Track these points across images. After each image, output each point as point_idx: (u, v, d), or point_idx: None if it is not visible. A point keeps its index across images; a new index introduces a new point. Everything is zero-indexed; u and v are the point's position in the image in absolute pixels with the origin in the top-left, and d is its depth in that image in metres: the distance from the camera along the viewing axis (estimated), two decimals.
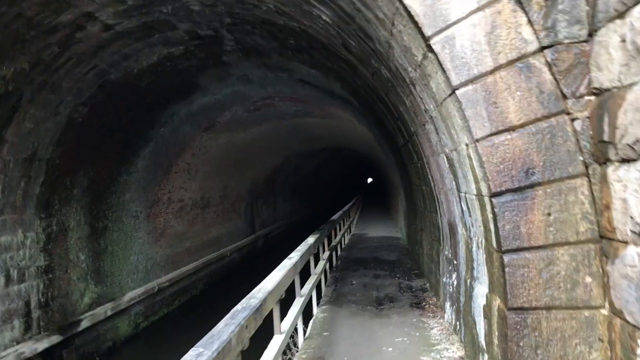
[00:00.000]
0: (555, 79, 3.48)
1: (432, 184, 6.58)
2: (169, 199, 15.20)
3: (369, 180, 71.07)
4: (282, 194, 30.10)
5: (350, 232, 18.20)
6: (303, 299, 6.32)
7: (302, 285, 7.01)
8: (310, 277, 7.52)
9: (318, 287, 8.23)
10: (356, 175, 64.65)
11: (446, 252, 6.27)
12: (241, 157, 20.94)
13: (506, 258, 3.55)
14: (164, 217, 15.00)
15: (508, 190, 3.54)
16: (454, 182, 4.98)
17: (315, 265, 7.96)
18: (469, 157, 3.93)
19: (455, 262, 5.60)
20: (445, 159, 5.06)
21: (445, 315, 6.42)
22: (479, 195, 3.93)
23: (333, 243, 11.71)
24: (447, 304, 6.31)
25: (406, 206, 13.53)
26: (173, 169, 15.06)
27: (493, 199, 3.58)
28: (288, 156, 27.32)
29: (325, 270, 9.56)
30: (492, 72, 3.56)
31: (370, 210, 30.00)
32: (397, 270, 10.10)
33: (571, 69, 3.47)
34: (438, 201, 6.45)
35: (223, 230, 19.91)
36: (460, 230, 5.14)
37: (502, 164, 3.55)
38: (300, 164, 31.67)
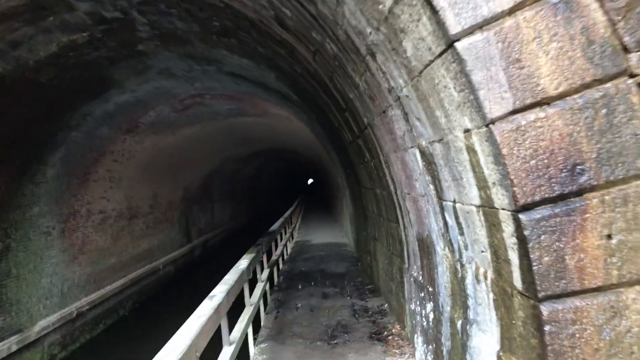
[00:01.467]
0: (610, 20, 2.13)
1: (393, 187, 5.21)
2: (88, 211, 13.29)
3: (310, 181, 69.71)
4: (220, 199, 28.30)
5: (292, 240, 16.65)
6: (234, 346, 4.75)
7: (238, 318, 5.54)
8: (244, 312, 5.89)
9: (257, 316, 6.73)
10: (297, 177, 63.33)
11: (414, 273, 4.90)
12: (172, 162, 19.12)
13: (545, 309, 2.19)
14: (83, 231, 13.09)
15: (545, 201, 2.18)
16: (431, 186, 3.61)
17: (251, 294, 6.38)
18: (470, 149, 2.54)
19: (430, 289, 4.23)
20: (417, 155, 3.68)
21: (417, 354, 4.99)
22: (487, 207, 2.55)
23: (274, 257, 10.17)
24: (419, 339, 4.89)
25: (353, 210, 12.16)
26: (91, 177, 13.17)
27: (521, 215, 2.20)
28: (225, 159, 25.61)
29: (265, 292, 8.08)
30: (512, 11, 2.18)
31: (313, 213, 28.56)
32: (348, 285, 8.66)
33: (636, 4, 2.13)
34: (401, 209, 5.08)
35: (155, 241, 18.03)
36: (441, 250, 3.76)
37: (534, 158, 2.18)
38: (238, 168, 29.99)
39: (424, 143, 3.40)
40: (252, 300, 6.14)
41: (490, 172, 2.38)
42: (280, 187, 57.45)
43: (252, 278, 7.07)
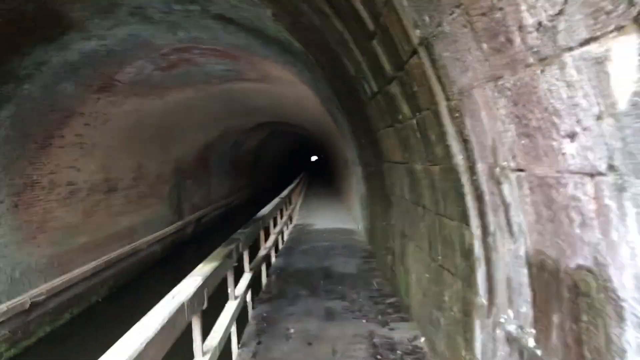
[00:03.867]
0: None
1: (464, 156, 2.83)
2: (51, 181, 10.97)
3: (314, 158, 67.15)
4: (218, 173, 25.96)
5: (291, 223, 14.16)
6: None
7: None
8: None
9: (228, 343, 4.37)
10: (301, 152, 60.99)
11: (506, 325, 2.51)
12: (162, 131, 16.78)
13: None
14: (44, 205, 10.79)
15: None
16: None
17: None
18: None
19: None
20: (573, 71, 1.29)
21: None
22: None
23: (261, 252, 7.71)
24: None
25: (366, 192, 9.74)
26: (55, 142, 10.82)
27: None
28: (224, 131, 23.25)
29: (245, 301, 5.73)
30: None
31: (317, 192, 26.10)
32: (362, 297, 6.15)
33: None
34: (479, 198, 2.71)
35: (138, 218, 15.73)
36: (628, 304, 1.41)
37: None
38: (239, 141, 27.62)
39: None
40: (209, 345, 3.67)
41: None
42: (283, 163, 55.13)
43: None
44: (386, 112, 4.87)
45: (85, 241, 12.36)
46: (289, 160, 58.69)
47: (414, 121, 3.78)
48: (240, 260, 5.49)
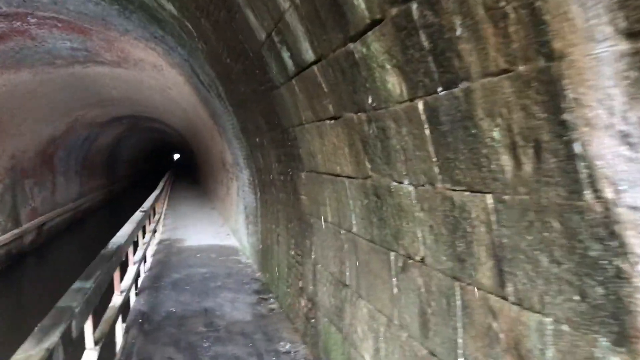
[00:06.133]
0: None
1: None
2: None
3: (176, 156, 63.09)
4: (66, 172, 22.29)
5: (155, 239, 11.28)
6: None
7: None
8: None
9: None
10: (164, 150, 56.99)
11: None
12: None
13: None
14: None
15: None
16: None
17: None
18: None
19: None
20: None
21: None
22: None
23: (115, 302, 5.26)
24: None
25: (258, 203, 7.68)
26: None
27: None
28: (73, 123, 19.89)
29: None
30: None
31: (184, 197, 23.22)
32: None
33: None
34: None
35: None
36: None
37: None
38: (92, 136, 24.10)
39: None
40: None
41: None
42: (144, 162, 50.91)
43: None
44: (328, 94, 3.01)
45: None
46: (150, 158, 54.42)
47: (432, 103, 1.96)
48: (79, 337, 3.30)
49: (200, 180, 28.20)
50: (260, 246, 7.71)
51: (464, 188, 1.96)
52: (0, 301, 11.76)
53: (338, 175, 3.46)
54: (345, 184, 3.37)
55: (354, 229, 3.35)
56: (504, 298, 1.82)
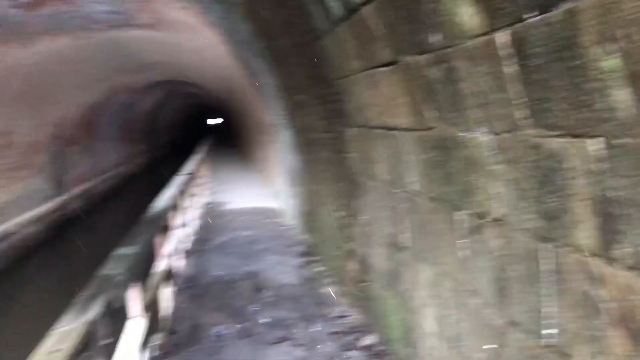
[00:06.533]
0: None
1: None
2: None
3: (217, 121, 63.13)
4: (109, 138, 22.58)
5: (196, 202, 11.18)
6: None
7: None
8: None
9: None
10: (203, 115, 57.19)
11: None
12: (33, 88, 13.53)
13: None
14: None
15: None
16: None
17: None
18: None
19: None
20: None
21: None
22: None
23: (159, 267, 5.04)
24: None
25: (302, 164, 7.46)
26: None
27: None
28: (113, 90, 19.99)
29: None
30: None
31: (224, 161, 23.20)
32: (322, 336, 4.04)
33: None
34: None
35: (5, 196, 12.57)
36: None
37: None
38: (133, 102, 24.28)
39: None
40: None
41: None
42: (183, 127, 51.31)
43: None
44: (383, 37, 2.70)
45: None
46: (188, 124, 54.80)
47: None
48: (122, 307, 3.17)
49: (239, 143, 28.17)
50: (305, 208, 7.52)
51: (560, 133, 1.66)
52: (50, 269, 12.06)
53: (393, 129, 3.18)
54: (401, 138, 3.08)
55: (412, 187, 3.08)
56: (611, 262, 1.53)
